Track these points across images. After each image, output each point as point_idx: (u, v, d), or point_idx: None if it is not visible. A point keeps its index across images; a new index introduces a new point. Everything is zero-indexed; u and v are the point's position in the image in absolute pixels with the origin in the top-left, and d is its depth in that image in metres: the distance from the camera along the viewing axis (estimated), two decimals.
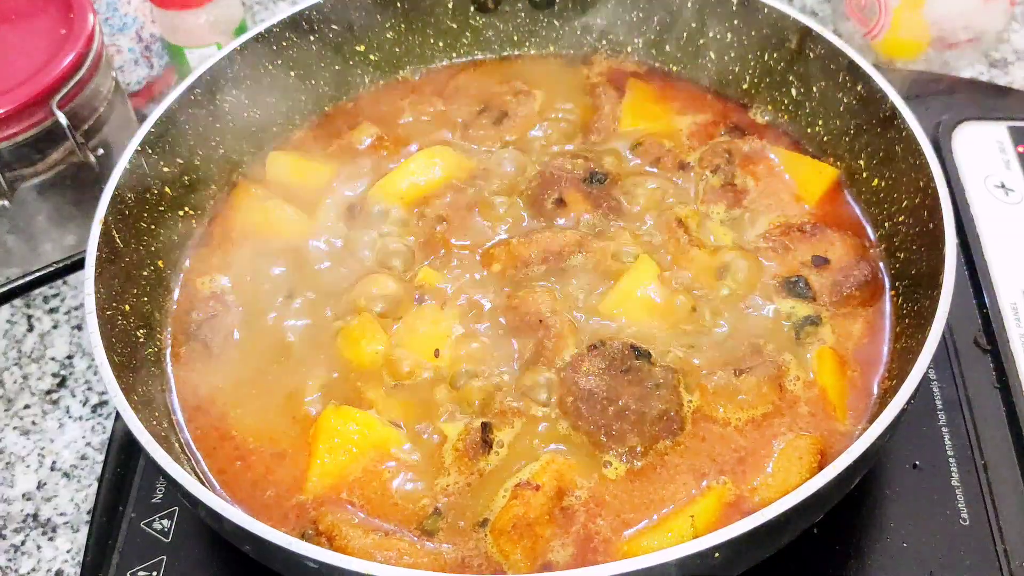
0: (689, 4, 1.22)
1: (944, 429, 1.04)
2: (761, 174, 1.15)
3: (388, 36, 1.27)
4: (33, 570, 1.06)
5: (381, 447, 0.94)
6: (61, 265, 1.14)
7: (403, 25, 1.27)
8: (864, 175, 1.12)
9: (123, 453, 1.06)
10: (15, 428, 1.17)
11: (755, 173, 1.15)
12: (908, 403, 0.82)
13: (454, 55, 1.32)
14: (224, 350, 1.03)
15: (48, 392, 1.20)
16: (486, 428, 0.93)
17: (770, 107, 1.22)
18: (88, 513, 1.08)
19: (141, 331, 1.01)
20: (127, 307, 1.00)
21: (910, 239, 1.02)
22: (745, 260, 1.06)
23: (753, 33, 1.20)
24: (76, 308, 1.27)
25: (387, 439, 0.95)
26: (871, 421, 0.83)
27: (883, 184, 1.08)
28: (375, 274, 1.07)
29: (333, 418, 0.95)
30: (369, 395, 0.98)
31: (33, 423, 1.17)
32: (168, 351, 1.04)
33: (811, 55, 1.14)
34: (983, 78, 1.49)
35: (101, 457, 1.11)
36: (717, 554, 0.75)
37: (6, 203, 1.17)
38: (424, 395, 0.98)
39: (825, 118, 1.16)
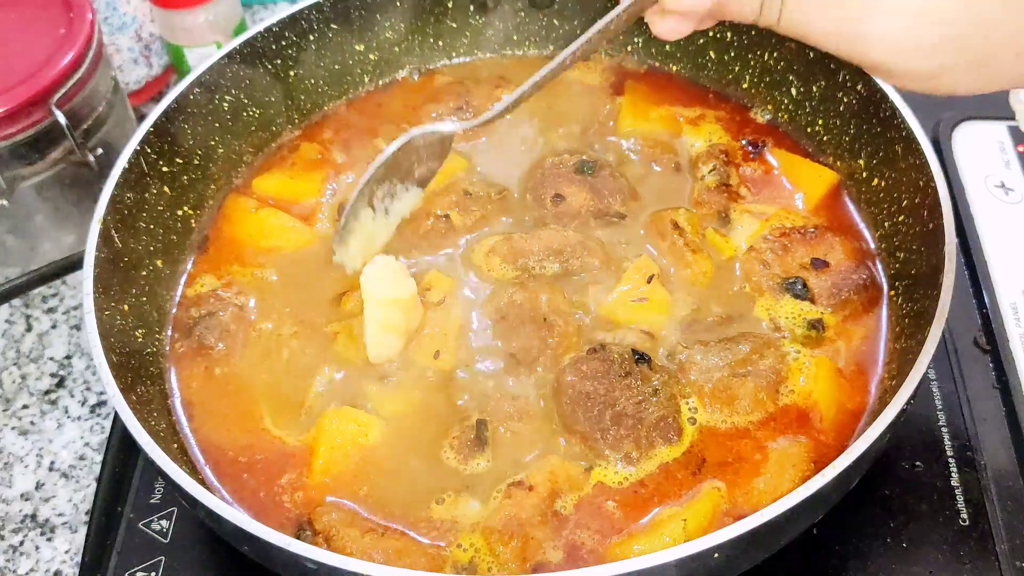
0: None
1: (944, 429, 1.04)
2: (760, 176, 1.15)
3: (388, 36, 1.27)
4: (31, 570, 1.06)
5: (380, 447, 0.94)
6: (60, 265, 1.14)
7: (403, 25, 1.27)
8: (864, 175, 1.11)
9: (122, 453, 1.06)
10: (13, 428, 1.17)
11: (754, 175, 1.15)
12: (908, 403, 0.82)
13: (454, 55, 1.32)
14: (223, 350, 1.02)
15: (46, 392, 1.20)
16: (481, 426, 0.93)
17: (770, 107, 1.22)
18: (86, 513, 1.08)
19: (140, 331, 1.01)
20: (126, 307, 1.00)
21: (910, 239, 1.02)
22: (743, 262, 1.06)
23: (753, 33, 1.20)
24: (75, 308, 1.27)
25: (386, 439, 0.95)
26: (870, 421, 0.83)
27: (883, 184, 1.08)
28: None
29: (333, 419, 0.95)
30: (369, 395, 0.98)
31: (31, 423, 1.17)
32: (167, 351, 1.04)
33: (811, 55, 1.14)
34: None
35: (99, 457, 1.11)
36: (717, 555, 0.75)
37: (5, 202, 1.17)
38: (424, 395, 0.98)
39: (825, 118, 1.16)
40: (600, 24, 0.74)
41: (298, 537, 0.80)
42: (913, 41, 0.65)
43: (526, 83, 0.80)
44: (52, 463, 1.14)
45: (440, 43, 1.31)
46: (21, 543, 1.07)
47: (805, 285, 1.03)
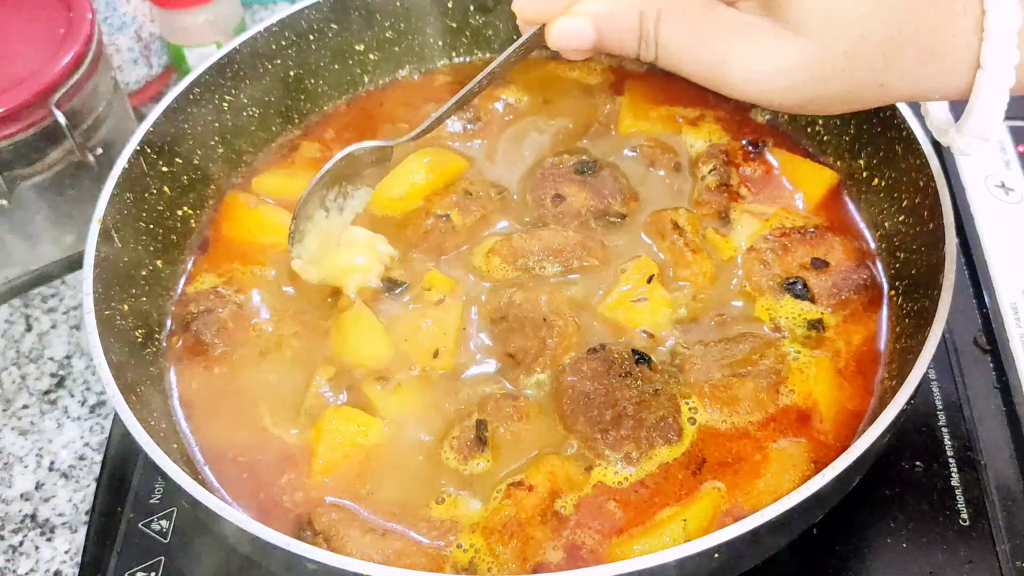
0: None
1: (944, 429, 1.04)
2: (761, 176, 1.15)
3: (387, 36, 1.27)
4: (31, 571, 1.06)
5: (380, 447, 0.94)
6: (60, 265, 1.14)
7: (402, 25, 1.27)
8: (864, 175, 1.11)
9: (121, 453, 1.06)
10: (13, 428, 1.17)
11: (754, 175, 1.15)
12: (908, 403, 0.82)
13: (454, 55, 1.32)
14: (223, 350, 1.02)
15: (46, 392, 1.20)
16: (481, 426, 0.93)
17: None
18: (86, 513, 1.08)
19: (139, 331, 1.01)
20: (125, 307, 1.00)
21: (910, 239, 1.02)
22: (744, 262, 1.06)
23: None
24: (74, 308, 1.27)
25: (386, 439, 0.95)
26: (871, 422, 0.83)
27: (883, 184, 1.08)
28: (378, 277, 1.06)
29: (333, 419, 0.95)
30: (368, 395, 0.97)
31: (31, 423, 1.17)
32: (166, 351, 1.04)
33: None
34: None
35: (99, 457, 1.11)
36: (717, 555, 0.75)
37: (5, 202, 1.17)
38: (423, 395, 0.97)
39: (825, 117, 1.16)
40: (503, 57, 0.82)
41: (298, 537, 0.80)
42: (775, 86, 0.71)
43: (446, 104, 0.90)
44: (52, 463, 1.14)
45: (440, 43, 1.31)
46: (21, 543, 1.07)
47: (805, 285, 1.03)
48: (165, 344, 1.04)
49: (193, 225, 1.14)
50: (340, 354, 1.01)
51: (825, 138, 1.17)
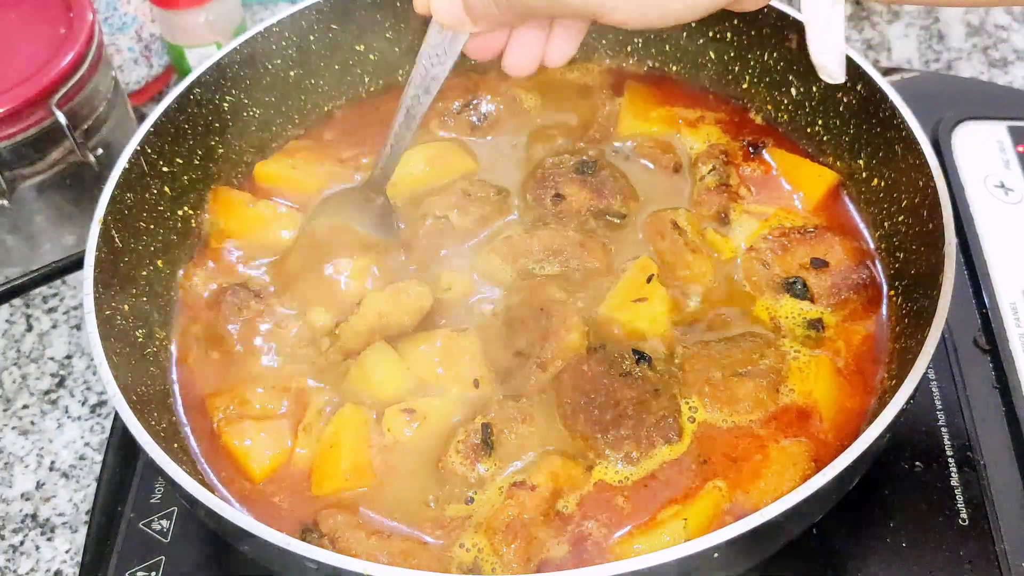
0: None
1: (943, 429, 1.04)
2: (760, 177, 1.15)
3: (388, 36, 1.27)
4: (32, 570, 1.06)
5: (387, 450, 0.94)
6: (60, 265, 1.14)
7: (403, 24, 1.27)
8: (864, 175, 1.11)
9: (122, 453, 1.06)
10: (14, 428, 1.17)
11: (754, 176, 1.15)
12: (907, 403, 0.82)
13: None
14: (225, 350, 1.02)
15: (47, 392, 1.20)
16: (487, 430, 0.93)
17: (770, 107, 1.22)
18: (87, 513, 1.08)
19: (140, 331, 1.01)
20: (126, 307, 1.00)
21: (910, 239, 1.02)
22: (743, 262, 1.06)
23: (753, 33, 1.20)
24: (75, 308, 1.27)
25: (393, 443, 0.94)
26: (870, 421, 0.83)
27: (883, 184, 1.08)
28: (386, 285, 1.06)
29: (340, 422, 0.95)
30: (391, 427, 0.96)
31: (32, 423, 1.17)
32: (167, 351, 1.04)
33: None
34: (983, 78, 1.49)
35: (100, 457, 1.11)
36: (716, 554, 0.75)
37: (5, 203, 1.17)
38: (429, 400, 0.97)
39: (825, 118, 1.16)
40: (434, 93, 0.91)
41: (304, 539, 0.80)
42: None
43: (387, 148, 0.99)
44: (52, 463, 1.14)
45: None
46: (21, 543, 1.08)
47: (805, 285, 1.03)
48: (167, 346, 1.03)
49: (193, 225, 1.14)
50: (363, 391, 0.97)
51: (825, 138, 1.17)
